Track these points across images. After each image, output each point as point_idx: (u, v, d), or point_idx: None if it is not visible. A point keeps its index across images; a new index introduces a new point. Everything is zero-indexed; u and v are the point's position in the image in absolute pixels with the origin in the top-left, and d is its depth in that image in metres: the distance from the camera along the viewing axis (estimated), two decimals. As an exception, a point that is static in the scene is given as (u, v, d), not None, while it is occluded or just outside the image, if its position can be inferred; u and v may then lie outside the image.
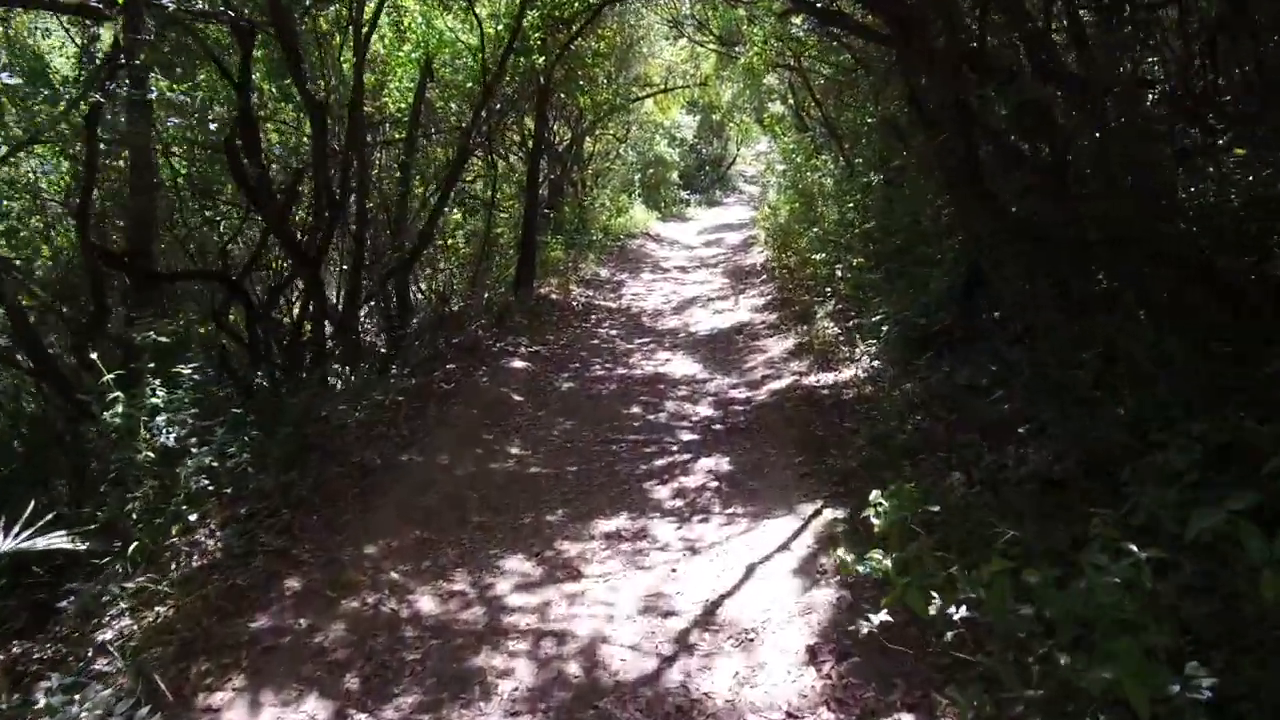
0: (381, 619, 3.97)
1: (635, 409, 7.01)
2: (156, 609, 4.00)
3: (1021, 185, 6.84)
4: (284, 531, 4.77)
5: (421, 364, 8.25)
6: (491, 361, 8.28)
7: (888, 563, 2.70)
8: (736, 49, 14.74)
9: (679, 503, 5.15)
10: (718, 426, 6.43)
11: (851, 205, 11.09)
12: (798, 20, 11.49)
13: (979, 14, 6.08)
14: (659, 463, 5.81)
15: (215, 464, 4.85)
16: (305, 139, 9.24)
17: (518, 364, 8.24)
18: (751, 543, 4.50)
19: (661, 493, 5.33)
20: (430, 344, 9.22)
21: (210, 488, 4.80)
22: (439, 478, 5.54)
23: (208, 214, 9.14)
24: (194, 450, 4.72)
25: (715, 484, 5.37)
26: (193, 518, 4.67)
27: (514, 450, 6.17)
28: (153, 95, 5.22)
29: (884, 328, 7.25)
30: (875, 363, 7.00)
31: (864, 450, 5.32)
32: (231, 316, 8.50)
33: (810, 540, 4.39)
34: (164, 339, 5.03)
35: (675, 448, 6.07)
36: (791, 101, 16.03)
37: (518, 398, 7.30)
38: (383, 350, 9.40)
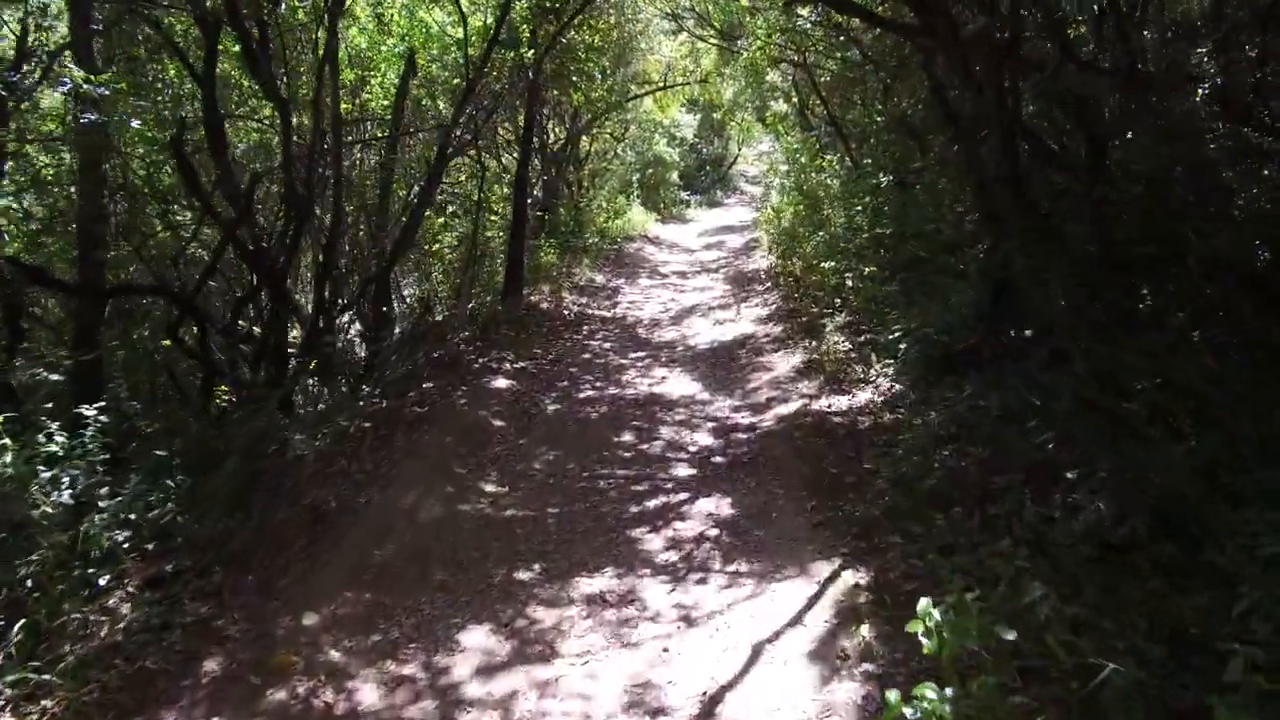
0: (312, 717, 3.29)
1: (627, 436, 6.33)
2: (44, 703, 3.33)
3: (1057, 186, 6.18)
4: (212, 596, 4.10)
5: (396, 382, 7.57)
6: (472, 380, 7.60)
7: (946, 708, 2.03)
8: (738, 43, 14.05)
9: (673, 556, 4.47)
10: (718, 459, 5.75)
11: (860, 209, 10.42)
12: (804, 12, 10.81)
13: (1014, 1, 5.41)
14: (651, 504, 5.13)
15: (134, 515, 4.16)
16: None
17: (500, 383, 7.56)
18: (757, 613, 3.82)
19: (653, 543, 4.65)
20: (409, 358, 8.56)
21: (126, 544, 4.12)
22: (400, 524, 4.86)
23: (175, 219, 8.49)
24: (102, 503, 4.04)
25: (715, 532, 4.69)
26: (104, 581, 3.99)
27: (489, 487, 5.49)
28: (66, 88, 4.52)
29: (902, 345, 6.57)
30: (893, 385, 6.32)
31: (885, 495, 4.65)
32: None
33: (828, 613, 3.71)
34: (55, 376, 4.34)
35: (670, 485, 5.39)
36: (795, 99, 15.36)
37: (498, 423, 6.62)
38: (363, 363, 8.74)
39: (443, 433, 6.26)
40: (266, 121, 9.06)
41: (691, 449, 6.03)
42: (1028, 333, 5.97)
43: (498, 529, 4.89)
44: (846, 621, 3.60)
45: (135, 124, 5.35)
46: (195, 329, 6.64)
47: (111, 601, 4.02)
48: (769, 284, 11.31)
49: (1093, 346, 5.37)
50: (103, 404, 4.38)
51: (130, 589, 4.10)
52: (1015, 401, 5.44)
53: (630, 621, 3.87)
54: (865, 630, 3.48)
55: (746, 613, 3.84)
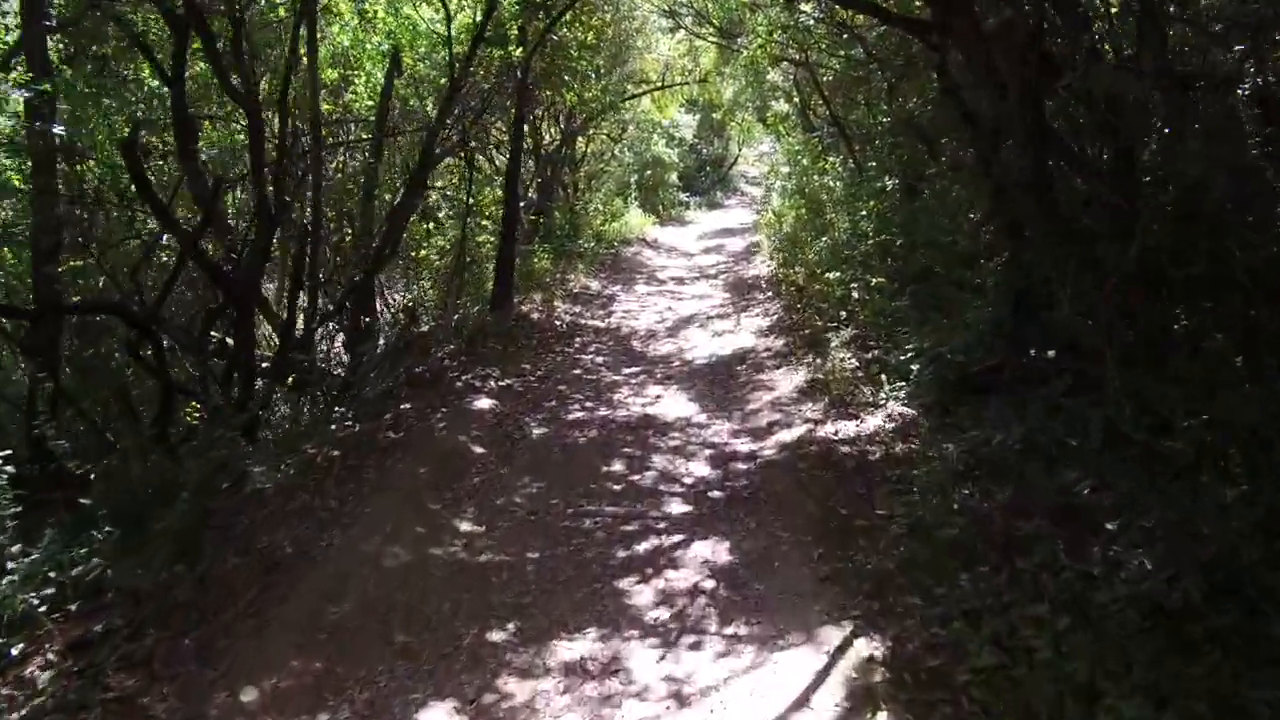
0: (238, 825, 2.83)
1: (617, 465, 5.86)
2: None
3: (1083, 193, 5.71)
4: (141, 665, 3.62)
5: (372, 402, 7.10)
6: (454, 400, 7.13)
7: None
8: (738, 41, 13.57)
9: (664, 614, 4.00)
10: (715, 494, 5.28)
11: (864, 213, 9.96)
12: (806, 8, 10.35)
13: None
14: (641, 548, 4.66)
15: (54, 573, 3.70)
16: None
17: (483, 403, 7.08)
18: (758, 688, 3.35)
19: (642, 596, 4.17)
20: (390, 374, 8.09)
21: (46, 606, 3.66)
22: (362, 572, 4.38)
23: (143, 227, 8.03)
24: (11, 564, 3.57)
25: (711, 584, 4.21)
26: (18, 649, 3.53)
27: (464, 526, 5.02)
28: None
29: (914, 366, 6.10)
30: (905, 410, 5.85)
31: (901, 543, 4.17)
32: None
33: (838, 693, 3.23)
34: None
35: (662, 525, 4.92)
36: (797, 99, 14.90)
37: (478, 449, 6.15)
38: (340, 380, 8.26)
39: (417, 461, 5.79)
40: (245, 123, 8.59)
41: (686, 480, 5.56)
42: (1050, 353, 5.50)
43: (470, 577, 4.41)
44: (860, 705, 3.12)
45: (58, 129, 4.85)
46: (150, 348, 6.16)
47: (29, 671, 3.57)
48: (770, 292, 10.83)
49: (1123, 371, 4.92)
50: (9, 451, 3.92)
51: (51, 655, 3.64)
52: (1040, 433, 4.99)
53: (613, 699, 3.40)
54: (883, 719, 3.01)
55: (745, 688, 3.37)
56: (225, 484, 5.09)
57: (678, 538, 4.74)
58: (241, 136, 8.80)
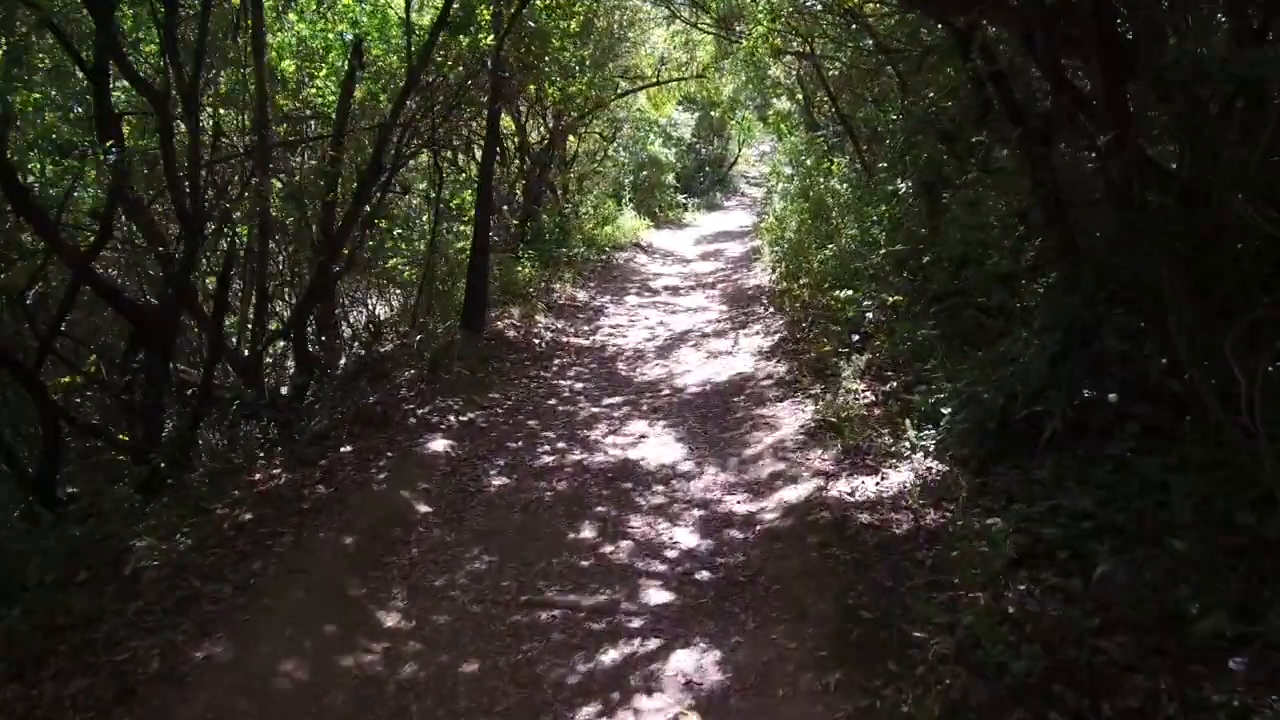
0: None
1: (586, 532, 4.85)
2: None
3: (1154, 205, 4.69)
4: None
5: (309, 444, 6.09)
6: (404, 441, 6.12)
7: None
8: (738, 29, 12.56)
9: (630, 772, 2.99)
10: (703, 575, 4.26)
11: (875, 219, 8.98)
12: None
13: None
14: (607, 658, 3.65)
15: None
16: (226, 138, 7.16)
17: (438, 445, 6.07)
18: None
19: (603, 740, 3.17)
20: (344, 403, 7.09)
21: None
22: (242, 701, 3.37)
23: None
24: None
25: (694, 722, 3.21)
26: None
27: (389, 621, 4.01)
28: None
29: (945, 410, 5.09)
30: (935, 464, 4.84)
31: (945, 671, 3.15)
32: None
33: None
34: None
35: (637, 623, 3.90)
36: (800, 95, 13.90)
37: (422, 509, 5.15)
38: (286, 411, 7.25)
39: (345, 529, 4.77)
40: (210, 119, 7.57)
41: (670, 554, 4.54)
42: (1112, 397, 4.49)
43: (383, 707, 3.40)
44: None
45: None
46: (28, 386, 5.17)
47: None
48: (771, 307, 9.81)
49: (1204, 426, 3.94)
50: None
51: None
52: (1110, 501, 3.99)
53: None
54: None
55: None
56: (91, 567, 4.09)
57: (654, 643, 3.72)
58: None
